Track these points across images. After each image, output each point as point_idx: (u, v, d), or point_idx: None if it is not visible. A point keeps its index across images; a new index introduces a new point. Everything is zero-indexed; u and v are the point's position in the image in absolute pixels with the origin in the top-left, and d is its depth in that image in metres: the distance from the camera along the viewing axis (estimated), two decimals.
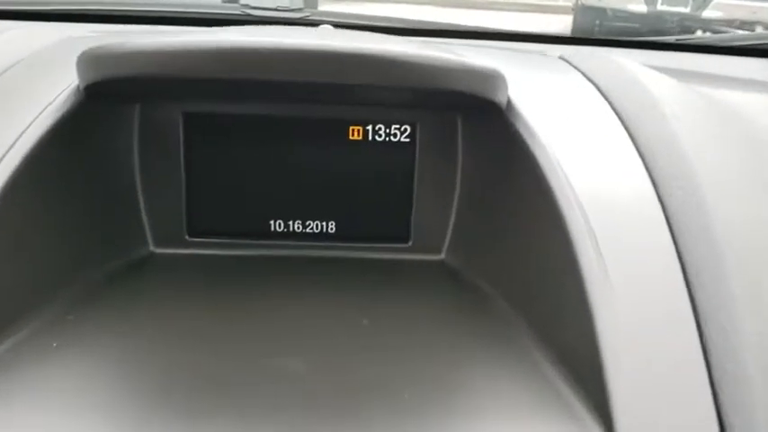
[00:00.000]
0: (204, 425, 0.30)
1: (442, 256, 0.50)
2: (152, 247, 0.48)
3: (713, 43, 0.92)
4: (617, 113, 0.49)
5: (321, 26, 0.62)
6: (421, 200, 0.49)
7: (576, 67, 0.60)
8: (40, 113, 0.40)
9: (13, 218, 0.37)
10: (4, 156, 0.37)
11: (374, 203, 0.49)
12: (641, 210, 0.40)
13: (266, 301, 0.43)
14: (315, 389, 0.33)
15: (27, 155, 0.38)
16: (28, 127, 0.39)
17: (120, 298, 0.41)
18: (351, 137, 0.48)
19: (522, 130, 0.41)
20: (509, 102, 0.43)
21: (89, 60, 0.38)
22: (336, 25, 0.64)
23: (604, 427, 0.31)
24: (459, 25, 0.86)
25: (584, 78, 0.56)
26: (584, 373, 0.33)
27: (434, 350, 0.38)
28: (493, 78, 0.39)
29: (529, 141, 0.41)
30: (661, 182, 0.41)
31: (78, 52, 0.39)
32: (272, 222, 0.49)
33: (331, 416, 0.32)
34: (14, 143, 0.38)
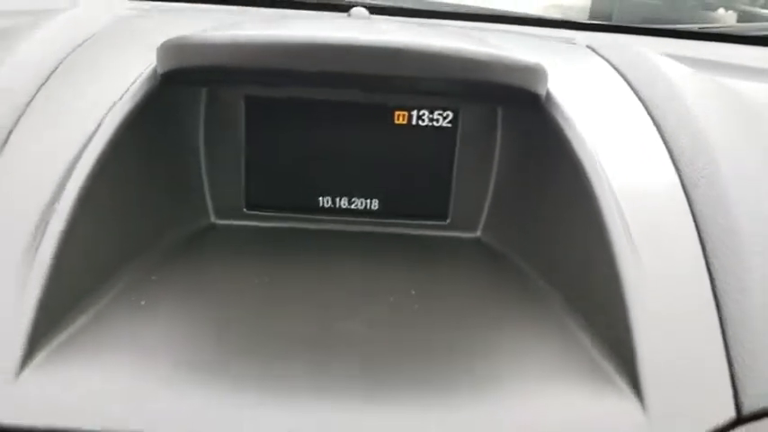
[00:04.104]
0: (281, 370, 0.35)
1: (478, 233, 0.54)
2: (213, 219, 0.53)
3: (736, 32, 0.94)
4: (643, 104, 0.53)
5: (354, 8, 0.65)
6: (459, 181, 0.53)
7: (603, 57, 0.63)
8: (121, 96, 0.44)
9: (103, 192, 0.41)
10: (92, 136, 0.42)
11: (415, 183, 0.53)
12: (667, 199, 0.44)
13: (317, 270, 0.47)
14: (374, 347, 0.38)
15: (113, 135, 0.42)
16: (110, 110, 0.43)
17: (191, 263, 0.46)
18: (396, 121, 0.52)
19: (559, 120, 0.45)
20: (547, 93, 0.47)
21: (170, 50, 0.42)
22: (368, 7, 0.67)
23: (632, 383, 0.35)
24: (477, 8, 0.89)
25: (612, 69, 0.60)
26: (615, 338, 0.38)
27: (477, 318, 0.42)
28: (536, 72, 0.43)
29: (566, 131, 0.45)
30: (686, 172, 0.45)
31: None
32: (320, 198, 0.54)
33: (390, 372, 0.36)
34: (100, 124, 0.42)
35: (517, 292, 0.45)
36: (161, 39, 0.43)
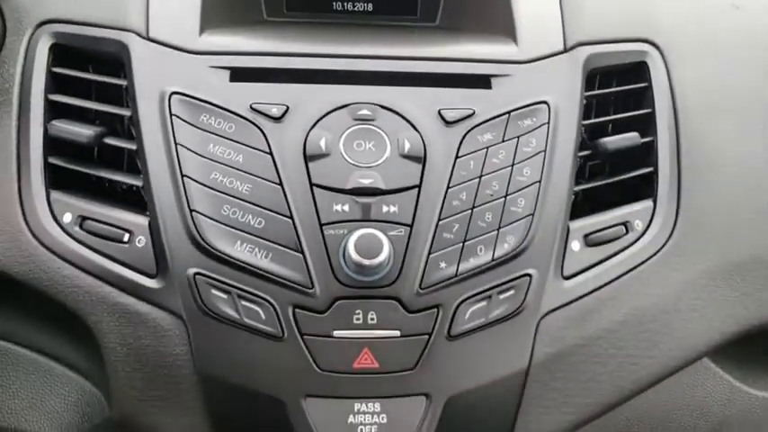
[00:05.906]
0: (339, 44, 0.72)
1: (437, 22, 0.83)
2: (265, 16, 0.82)
3: None
4: None
5: None
6: None
7: None
8: None
9: None
10: None
11: None
12: None
13: (335, 39, 0.76)
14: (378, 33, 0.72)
15: None
16: None
17: (263, 27, 0.77)
18: None
19: None
20: None
21: None
22: None
23: (512, 39, 0.68)
24: None
25: None
26: (505, 23, 0.69)
27: (438, 35, 0.75)
28: None
29: None
30: None
31: None
32: (334, 3, 0.82)
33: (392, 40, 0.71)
34: None
35: (459, 33, 0.76)
36: None
